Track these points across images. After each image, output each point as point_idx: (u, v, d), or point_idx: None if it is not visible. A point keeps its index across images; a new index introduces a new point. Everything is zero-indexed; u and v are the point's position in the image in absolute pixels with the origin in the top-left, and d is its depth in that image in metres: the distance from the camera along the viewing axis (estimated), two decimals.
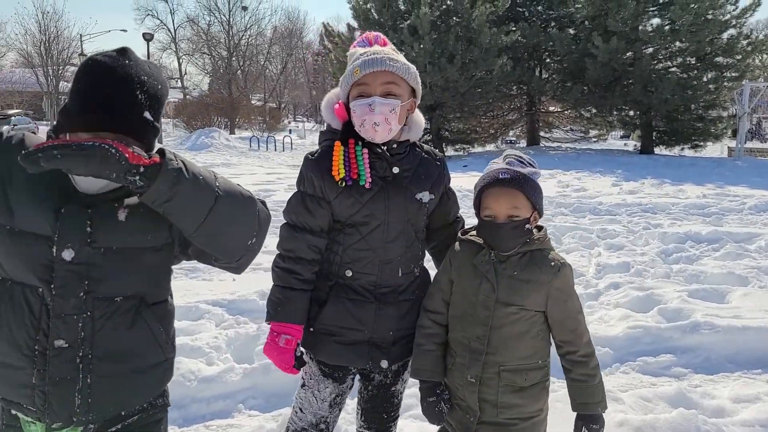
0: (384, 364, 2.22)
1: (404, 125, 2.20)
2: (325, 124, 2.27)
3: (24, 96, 40.66)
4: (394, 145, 2.18)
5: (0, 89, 39.68)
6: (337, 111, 2.21)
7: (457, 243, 2.21)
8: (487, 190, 2.08)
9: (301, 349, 2.24)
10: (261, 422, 3.32)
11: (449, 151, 24.66)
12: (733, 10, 21.73)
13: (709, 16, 21.11)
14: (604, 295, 5.58)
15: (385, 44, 2.22)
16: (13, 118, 36.43)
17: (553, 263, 2.04)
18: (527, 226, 2.05)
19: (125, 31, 50.85)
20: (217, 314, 4.80)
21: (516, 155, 2.12)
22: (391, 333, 2.21)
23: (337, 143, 2.13)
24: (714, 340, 4.44)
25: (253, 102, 53.68)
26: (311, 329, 2.22)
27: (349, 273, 2.18)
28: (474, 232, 2.18)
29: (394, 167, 2.17)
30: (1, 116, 36.78)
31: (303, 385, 2.29)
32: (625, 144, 32.99)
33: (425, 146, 2.32)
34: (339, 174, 2.10)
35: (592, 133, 29.54)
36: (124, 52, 1.57)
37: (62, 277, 1.55)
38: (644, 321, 4.75)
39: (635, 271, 6.33)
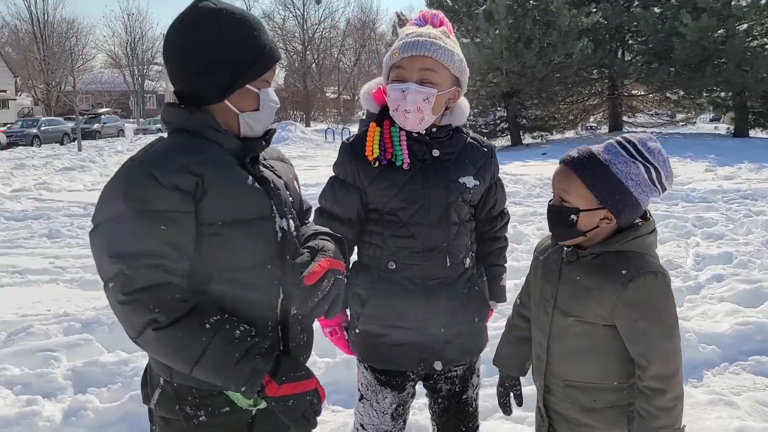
0: (438, 365, 2.05)
1: (446, 109, 2.04)
2: (365, 112, 2.14)
3: (112, 95, 42.58)
4: (434, 129, 2.03)
5: (90, 89, 41.67)
6: (374, 95, 2.08)
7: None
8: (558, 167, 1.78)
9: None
10: (345, 418, 3.21)
11: (527, 139, 24.02)
12: None
13: None
14: (706, 288, 5.18)
15: (440, 24, 2.03)
16: (102, 116, 38.31)
17: (624, 271, 1.63)
18: (572, 217, 1.67)
19: None
20: None
21: (627, 138, 1.72)
22: (443, 330, 2.03)
23: (372, 124, 2.01)
24: None
25: (327, 94, 54.27)
26: (356, 331, 2.08)
27: (392, 265, 2.01)
28: None
29: (434, 150, 2.02)
30: (92, 115, 38.73)
31: (361, 398, 2.15)
32: (715, 127, 31.17)
33: (471, 132, 2.15)
34: (373, 153, 1.96)
35: (680, 116, 28.11)
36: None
37: (291, 245, 1.60)
38: (755, 317, 4.35)
39: (739, 262, 5.86)
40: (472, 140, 2.12)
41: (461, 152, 2.06)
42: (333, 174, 2.10)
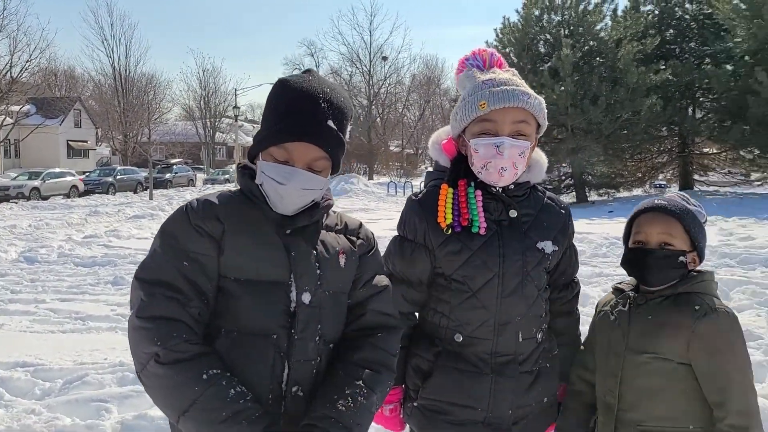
0: None
1: None
2: (432, 163, 2.00)
3: (185, 146, 44.45)
4: (511, 186, 1.86)
5: (164, 140, 43.63)
6: (444, 146, 1.93)
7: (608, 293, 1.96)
8: (641, 216, 1.87)
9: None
10: None
11: (593, 196, 23.50)
12: None
13: None
14: None
15: (502, 65, 1.90)
16: (174, 166, 39.90)
17: (698, 306, 1.72)
18: (681, 259, 1.78)
19: None
20: None
21: (679, 194, 1.92)
22: (511, 412, 1.86)
23: (444, 186, 1.83)
24: None
25: (390, 148, 54.99)
26: (415, 404, 1.91)
27: (459, 338, 1.85)
28: (627, 280, 1.92)
29: (511, 210, 1.86)
30: (164, 165, 40.42)
31: None
32: None
33: (548, 191, 2.00)
34: (446, 220, 1.80)
35: (755, 176, 26.95)
36: (309, 71, 1.64)
37: (304, 320, 1.55)
38: None
39: None
40: (549, 200, 1.97)
41: (539, 214, 1.91)
42: (398, 234, 1.95)
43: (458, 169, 1.86)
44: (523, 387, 1.88)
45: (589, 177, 24.13)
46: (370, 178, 39.70)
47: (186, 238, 1.50)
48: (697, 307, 1.72)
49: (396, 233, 1.97)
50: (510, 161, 1.77)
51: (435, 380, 1.87)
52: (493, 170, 1.79)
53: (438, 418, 1.88)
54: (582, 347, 2.02)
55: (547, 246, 1.88)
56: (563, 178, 24.25)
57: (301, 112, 1.53)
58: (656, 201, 1.86)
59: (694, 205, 1.86)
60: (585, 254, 10.44)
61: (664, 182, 31.23)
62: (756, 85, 19.35)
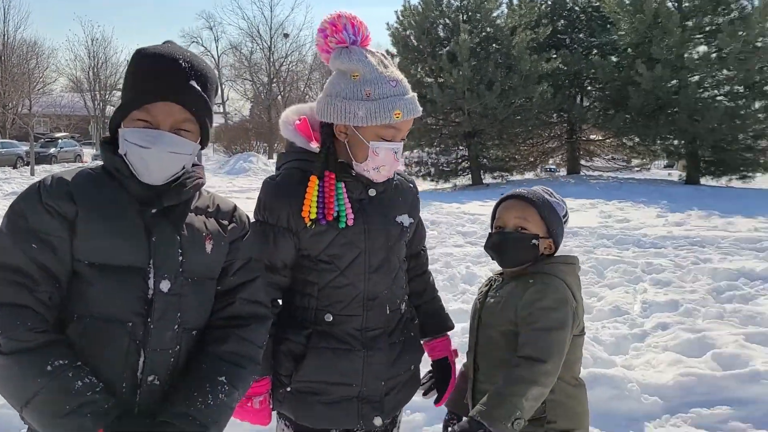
0: (377, 421, 1.93)
1: None
2: (285, 144, 1.98)
3: (71, 120, 41.73)
4: None
5: (49, 113, 40.84)
6: (299, 127, 1.90)
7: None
8: (502, 204, 2.06)
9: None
10: None
11: (487, 179, 24.28)
12: None
13: (758, 44, 20.44)
14: (651, 336, 5.18)
15: (366, 39, 1.88)
16: (60, 141, 37.49)
17: (531, 280, 1.93)
18: (534, 241, 1.94)
19: None
20: None
21: (543, 188, 2.08)
22: (383, 383, 1.93)
23: (314, 177, 1.83)
24: None
25: None
26: (288, 389, 1.91)
27: (329, 317, 1.88)
28: None
29: (371, 189, 1.92)
30: (48, 139, 37.89)
31: None
32: (669, 174, 32.01)
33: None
34: (310, 215, 1.80)
35: (635, 162, 28.81)
36: (168, 42, 1.59)
37: (161, 308, 1.49)
38: (697, 367, 4.34)
39: (685, 310, 5.89)
40: (398, 176, 2.05)
41: (394, 191, 1.99)
42: (257, 219, 1.90)
43: (327, 161, 1.86)
44: (393, 358, 1.95)
45: (485, 160, 24.89)
46: (270, 157, 38.99)
47: (36, 219, 1.42)
48: (531, 281, 1.92)
49: (255, 218, 1.92)
50: (398, 163, 1.89)
51: (308, 362, 1.88)
52: (386, 172, 1.87)
53: (313, 400, 1.90)
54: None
55: (405, 219, 1.98)
56: (460, 160, 24.88)
57: (162, 72, 1.47)
58: (517, 190, 2.04)
59: (555, 199, 2.02)
60: (476, 235, 10.81)
61: (554, 167, 32.78)
62: (637, 77, 20.57)
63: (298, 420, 1.94)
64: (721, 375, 4.19)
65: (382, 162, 1.84)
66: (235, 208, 1.71)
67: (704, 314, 5.80)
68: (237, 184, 23.26)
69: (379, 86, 1.81)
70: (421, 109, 1.89)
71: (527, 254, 1.96)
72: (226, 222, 1.66)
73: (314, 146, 1.90)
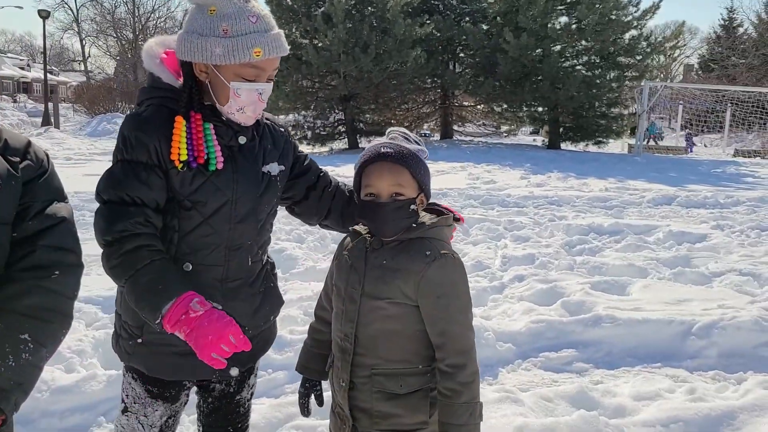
0: (234, 371, 1.89)
1: None
2: (147, 78, 1.85)
3: None
4: None
5: None
6: (167, 62, 1.80)
7: (347, 235, 1.97)
8: (369, 166, 1.83)
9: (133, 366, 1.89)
10: None
11: (363, 143, 24.40)
12: (635, 12, 22.59)
13: (613, 17, 21.83)
14: (508, 288, 5.47)
15: None
16: None
17: (428, 252, 1.77)
18: (412, 206, 1.81)
19: (21, 8, 47.82)
20: (90, 313, 4.32)
21: (401, 132, 1.88)
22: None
23: (179, 118, 1.72)
24: (615, 333, 4.38)
25: None
26: (139, 341, 1.83)
27: (188, 267, 1.80)
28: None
29: (240, 137, 1.85)
30: None
31: (124, 411, 1.92)
32: (534, 139, 33.79)
33: (266, 113, 2.00)
34: (180, 157, 1.71)
35: (504, 128, 30.07)
36: None
37: None
38: (547, 315, 4.64)
39: (540, 263, 6.28)
40: (267, 120, 1.98)
41: (262, 138, 1.92)
42: (122, 158, 1.74)
43: (192, 102, 1.75)
44: (254, 307, 1.92)
45: (361, 124, 24.98)
46: None
47: None
48: (428, 253, 1.76)
49: (116, 159, 1.76)
50: (264, 104, 1.80)
51: None
52: (251, 114, 1.78)
53: (165, 351, 1.82)
54: (323, 288, 2.02)
55: (273, 168, 1.92)
56: (336, 124, 24.80)
57: None
58: (382, 149, 1.82)
59: (416, 143, 1.87)
60: None
61: (429, 132, 33.53)
62: (504, 44, 21.35)
63: (150, 372, 1.85)
64: (567, 320, 4.51)
65: (244, 102, 1.76)
66: (29, 143, 1.52)
67: (557, 266, 6.21)
68: (99, 146, 21.83)
69: (238, 22, 1.70)
70: (288, 47, 1.79)
71: (408, 221, 1.81)
72: (17, 159, 1.46)
73: (181, 84, 1.80)
